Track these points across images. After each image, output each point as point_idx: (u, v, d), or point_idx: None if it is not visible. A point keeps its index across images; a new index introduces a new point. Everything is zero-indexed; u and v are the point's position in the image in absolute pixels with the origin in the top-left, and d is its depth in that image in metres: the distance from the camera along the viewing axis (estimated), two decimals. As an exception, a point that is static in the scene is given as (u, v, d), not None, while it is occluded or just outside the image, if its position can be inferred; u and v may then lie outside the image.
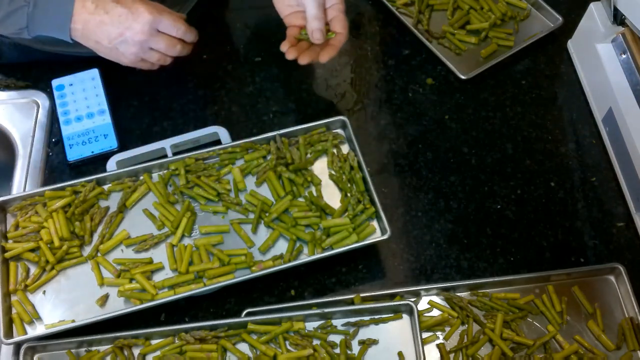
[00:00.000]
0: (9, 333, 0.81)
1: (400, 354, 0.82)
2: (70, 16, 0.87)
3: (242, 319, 0.83)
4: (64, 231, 0.87)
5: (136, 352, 0.82)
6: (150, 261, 0.87)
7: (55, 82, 1.03)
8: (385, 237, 0.87)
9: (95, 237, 0.88)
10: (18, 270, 0.86)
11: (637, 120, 0.94)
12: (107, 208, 0.90)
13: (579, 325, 0.87)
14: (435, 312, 0.87)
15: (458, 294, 0.88)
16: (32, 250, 0.86)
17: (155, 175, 0.93)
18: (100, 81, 1.03)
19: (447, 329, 0.86)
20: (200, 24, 1.12)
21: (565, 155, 1.02)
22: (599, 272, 0.90)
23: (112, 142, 0.98)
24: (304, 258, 0.86)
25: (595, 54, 1.01)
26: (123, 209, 0.90)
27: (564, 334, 0.86)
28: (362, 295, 0.86)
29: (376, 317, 0.84)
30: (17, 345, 0.82)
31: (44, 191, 0.89)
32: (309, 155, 0.94)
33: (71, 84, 1.03)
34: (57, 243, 0.86)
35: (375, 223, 0.90)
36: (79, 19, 0.87)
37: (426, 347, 0.83)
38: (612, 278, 0.90)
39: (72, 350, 0.82)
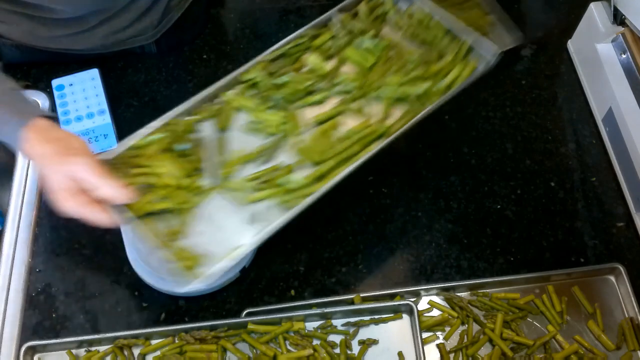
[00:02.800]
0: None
1: (400, 354, 0.82)
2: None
3: (242, 319, 0.83)
4: (176, 170, 0.80)
5: (136, 352, 0.82)
6: (277, 168, 0.82)
7: (55, 82, 1.03)
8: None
9: (207, 169, 0.82)
10: (155, 225, 0.79)
11: (637, 120, 0.94)
12: (202, 138, 0.84)
13: (579, 325, 0.87)
14: (435, 312, 0.87)
15: (458, 294, 0.88)
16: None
17: (231, 93, 0.87)
18: (100, 81, 1.03)
19: (447, 329, 0.86)
20: (200, 24, 1.12)
21: (565, 155, 1.02)
22: (599, 272, 0.91)
23: (112, 142, 0.98)
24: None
25: (595, 54, 1.01)
26: (222, 132, 0.85)
27: (564, 334, 0.86)
28: (362, 295, 0.86)
29: (376, 317, 0.84)
30: (17, 345, 0.83)
31: (134, 144, 0.81)
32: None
33: (71, 84, 1.03)
34: (175, 182, 0.79)
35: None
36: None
37: (426, 347, 0.83)
38: (612, 278, 0.90)
39: (72, 350, 0.82)
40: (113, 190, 0.74)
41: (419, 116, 0.84)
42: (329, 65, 0.89)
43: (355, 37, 0.90)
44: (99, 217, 0.75)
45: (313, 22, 0.91)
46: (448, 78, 0.86)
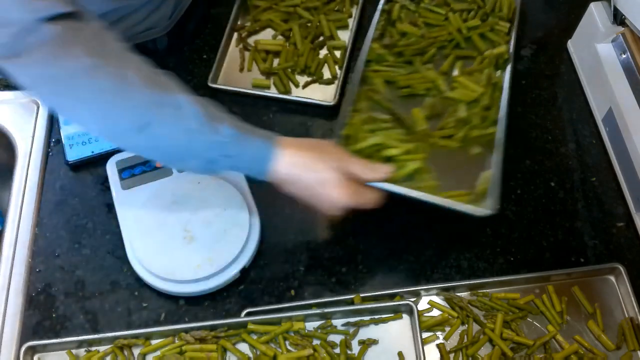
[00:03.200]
0: None
1: (400, 354, 0.82)
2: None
3: (242, 319, 0.83)
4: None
5: (136, 352, 0.82)
6: None
7: (55, 82, 1.03)
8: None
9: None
10: None
11: (637, 120, 0.94)
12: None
13: (579, 325, 0.87)
14: (435, 312, 0.87)
15: (458, 294, 0.88)
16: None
17: None
18: (100, 81, 1.03)
19: (447, 329, 0.86)
20: (200, 24, 1.12)
21: (565, 155, 1.02)
22: (599, 272, 0.91)
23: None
24: None
25: (595, 54, 1.01)
26: None
27: (564, 334, 0.86)
28: (362, 295, 0.86)
29: (376, 317, 0.84)
30: (17, 345, 0.83)
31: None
32: None
33: (71, 84, 1.03)
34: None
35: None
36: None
37: (426, 347, 0.83)
38: (612, 278, 0.90)
39: (72, 350, 0.82)
40: (376, 172, 0.82)
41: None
42: None
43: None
44: (371, 199, 0.81)
45: None
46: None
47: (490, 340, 0.85)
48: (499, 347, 0.84)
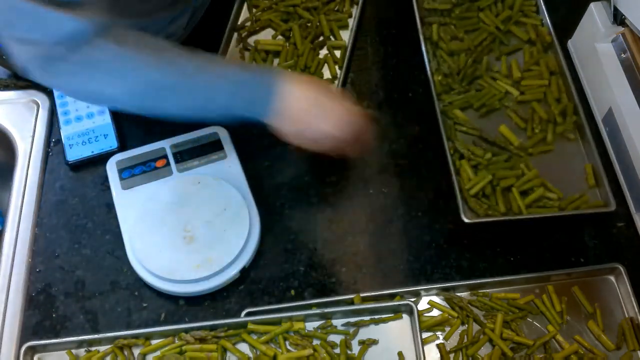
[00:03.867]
0: None
1: (400, 354, 0.82)
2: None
3: (242, 319, 0.83)
4: None
5: (136, 352, 0.82)
6: None
7: (55, 82, 1.03)
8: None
9: None
10: None
11: (637, 120, 0.94)
12: None
13: (579, 325, 0.87)
14: (435, 312, 0.87)
15: (458, 294, 0.88)
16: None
17: None
18: (100, 81, 1.03)
19: (447, 329, 0.86)
20: (200, 24, 1.12)
21: (565, 155, 1.02)
22: (599, 272, 0.91)
23: (112, 142, 0.98)
24: None
25: (595, 54, 1.01)
26: None
27: (564, 334, 0.86)
28: (362, 295, 0.86)
29: (376, 317, 0.84)
30: (17, 345, 0.83)
31: None
32: None
33: (71, 84, 1.03)
34: None
35: None
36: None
37: (426, 347, 0.83)
38: (612, 278, 0.90)
39: (72, 350, 0.82)
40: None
41: None
42: None
43: None
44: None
45: None
46: None
47: (490, 340, 0.85)
48: (499, 347, 0.84)
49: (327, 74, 1.07)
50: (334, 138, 0.81)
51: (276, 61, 1.08)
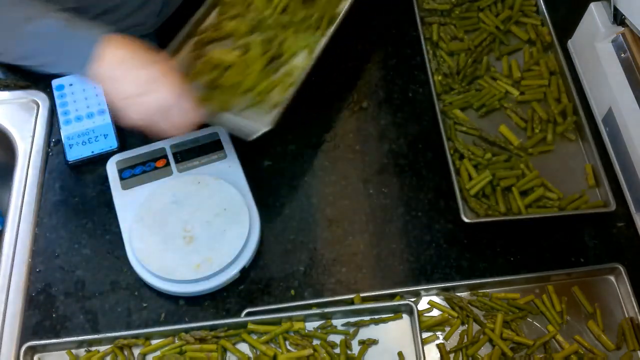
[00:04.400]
0: None
1: (400, 354, 0.82)
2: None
3: (242, 319, 0.83)
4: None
5: (136, 352, 0.82)
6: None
7: (55, 82, 1.03)
8: None
9: None
10: None
11: (637, 120, 0.94)
12: None
13: (579, 325, 0.87)
14: (435, 312, 0.87)
15: (458, 294, 0.88)
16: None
17: None
18: (100, 81, 1.03)
19: (447, 329, 0.86)
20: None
21: (565, 155, 1.02)
22: (599, 272, 0.91)
23: (112, 142, 0.98)
24: None
25: (595, 54, 1.01)
26: None
27: (564, 334, 0.86)
28: (362, 295, 0.86)
29: (376, 317, 0.84)
30: (17, 345, 0.83)
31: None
32: None
33: (71, 84, 1.03)
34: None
35: None
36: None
37: (426, 347, 0.83)
38: (612, 278, 0.90)
39: (72, 350, 0.82)
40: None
41: None
42: None
43: None
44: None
45: None
46: None
47: (490, 340, 0.85)
48: (499, 347, 0.84)
49: (276, 97, 0.95)
50: (143, 103, 0.80)
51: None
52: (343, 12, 0.99)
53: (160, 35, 1.07)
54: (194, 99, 0.84)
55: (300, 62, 0.97)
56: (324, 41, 0.97)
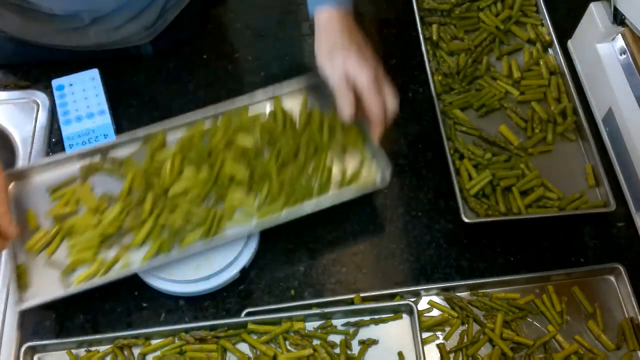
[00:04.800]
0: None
1: (400, 354, 0.82)
2: None
3: (242, 319, 0.83)
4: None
5: (136, 352, 0.82)
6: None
7: (55, 82, 1.03)
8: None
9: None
10: None
11: (637, 120, 0.94)
12: None
13: (579, 325, 0.87)
14: (435, 312, 0.87)
15: (458, 294, 0.88)
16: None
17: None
18: (100, 81, 1.03)
19: (447, 329, 0.86)
20: (200, 24, 1.12)
21: (565, 155, 1.02)
22: (599, 272, 0.91)
23: (112, 142, 0.98)
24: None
25: (595, 54, 1.01)
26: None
27: (564, 334, 0.86)
28: (362, 295, 0.86)
29: (376, 317, 0.84)
30: (17, 345, 0.83)
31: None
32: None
33: (71, 84, 1.03)
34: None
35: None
36: None
37: (426, 347, 0.83)
38: (612, 278, 0.90)
39: (72, 351, 0.82)
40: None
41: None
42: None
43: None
44: None
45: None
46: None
47: (490, 340, 0.85)
48: (499, 347, 0.84)
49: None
50: None
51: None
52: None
53: (157, 44, 1.07)
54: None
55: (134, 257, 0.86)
56: (160, 259, 0.84)
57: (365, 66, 0.82)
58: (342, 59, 0.82)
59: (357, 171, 0.90)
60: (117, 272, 0.83)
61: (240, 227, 0.86)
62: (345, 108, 0.83)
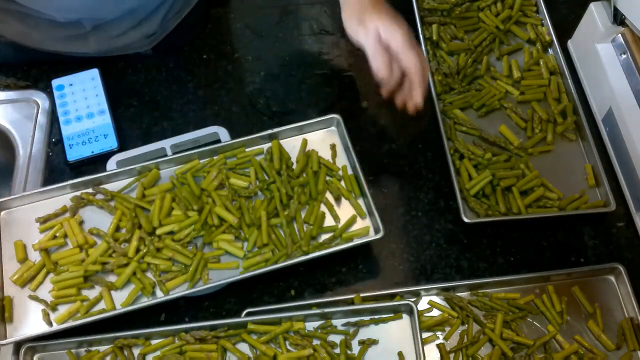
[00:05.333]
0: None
1: (400, 354, 0.82)
2: None
3: (242, 319, 0.83)
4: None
5: (136, 352, 0.82)
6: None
7: (55, 82, 1.03)
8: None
9: None
10: None
11: (637, 120, 0.94)
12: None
13: (579, 325, 0.87)
14: (435, 312, 0.87)
15: (458, 294, 0.88)
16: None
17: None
18: (100, 81, 1.03)
19: (447, 329, 0.86)
20: (200, 24, 1.12)
21: (565, 155, 1.02)
22: (599, 272, 0.91)
23: (112, 142, 0.98)
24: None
25: (595, 54, 1.01)
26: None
27: (564, 334, 0.86)
28: (362, 295, 0.86)
29: (376, 317, 0.84)
30: (17, 345, 0.82)
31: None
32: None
33: (71, 84, 1.03)
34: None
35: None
36: None
37: (426, 347, 0.83)
38: (612, 278, 0.90)
39: (72, 350, 0.82)
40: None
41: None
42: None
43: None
44: None
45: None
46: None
47: (490, 340, 0.85)
48: (499, 347, 0.84)
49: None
50: None
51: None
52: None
53: (156, 48, 1.07)
54: None
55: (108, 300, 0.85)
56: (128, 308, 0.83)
57: (398, 27, 0.84)
58: (374, 23, 0.84)
59: (349, 221, 0.90)
60: (98, 314, 0.82)
61: (224, 276, 0.86)
62: (381, 69, 0.85)
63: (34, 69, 1.06)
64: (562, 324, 0.87)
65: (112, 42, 1.01)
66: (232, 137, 0.97)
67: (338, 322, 0.84)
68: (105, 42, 1.01)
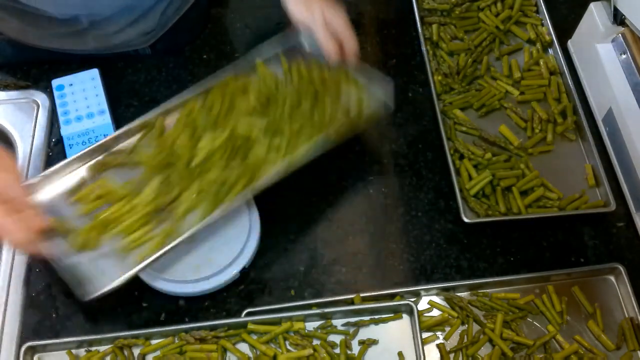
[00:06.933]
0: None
1: (400, 354, 0.82)
2: None
3: (242, 319, 0.83)
4: None
5: (136, 352, 0.82)
6: None
7: (55, 82, 1.03)
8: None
9: None
10: None
11: (637, 120, 0.94)
12: None
13: (579, 325, 0.87)
14: (435, 312, 0.87)
15: (458, 294, 0.88)
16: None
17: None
18: (100, 81, 1.03)
19: (447, 329, 0.86)
20: (200, 24, 1.12)
21: (565, 155, 1.02)
22: (599, 272, 0.91)
23: (112, 142, 0.98)
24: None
25: (595, 54, 1.01)
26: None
27: (564, 334, 0.86)
28: (362, 295, 0.86)
29: (376, 317, 0.84)
30: (17, 345, 0.83)
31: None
32: None
33: (71, 84, 1.03)
34: None
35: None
36: None
37: (426, 347, 0.83)
38: (612, 278, 0.90)
39: (72, 350, 0.82)
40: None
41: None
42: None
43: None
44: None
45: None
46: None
47: (490, 340, 0.85)
48: (499, 347, 0.84)
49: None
50: None
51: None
52: (266, 180, 0.86)
53: (155, 47, 1.07)
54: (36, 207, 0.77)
55: (188, 223, 0.83)
56: (217, 213, 0.83)
57: (339, 11, 0.91)
58: (319, 8, 0.90)
59: (360, 97, 0.92)
60: (177, 235, 0.81)
61: (276, 168, 0.86)
62: (333, 52, 0.90)
63: (34, 69, 1.06)
64: (562, 324, 0.87)
65: (110, 39, 1.01)
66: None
67: (338, 322, 0.84)
68: (103, 39, 1.01)
